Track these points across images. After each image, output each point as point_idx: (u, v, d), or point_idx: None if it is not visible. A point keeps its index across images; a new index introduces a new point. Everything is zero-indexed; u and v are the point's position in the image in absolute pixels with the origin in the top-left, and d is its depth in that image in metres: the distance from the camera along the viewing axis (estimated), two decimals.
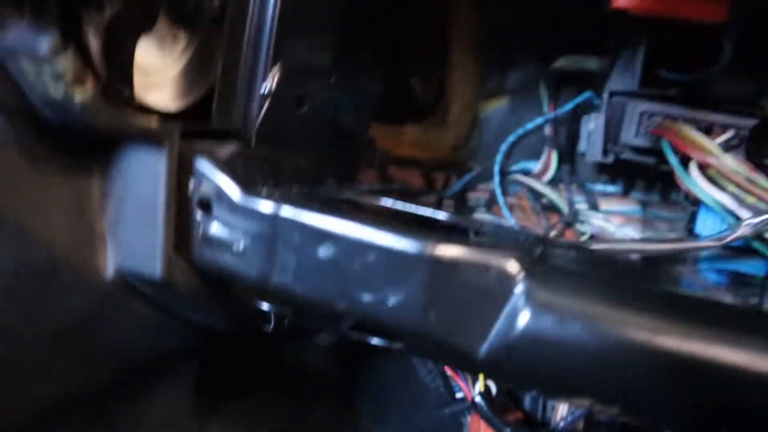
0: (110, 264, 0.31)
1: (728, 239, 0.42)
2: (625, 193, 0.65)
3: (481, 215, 0.67)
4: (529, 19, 0.59)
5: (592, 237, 0.59)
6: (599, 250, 0.42)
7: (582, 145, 0.56)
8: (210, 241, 0.31)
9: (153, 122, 0.29)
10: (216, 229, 0.31)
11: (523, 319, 0.28)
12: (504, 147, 0.67)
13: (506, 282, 0.29)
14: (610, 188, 0.66)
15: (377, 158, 0.64)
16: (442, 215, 0.36)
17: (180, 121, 0.33)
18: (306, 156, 0.39)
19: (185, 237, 0.32)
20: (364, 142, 0.57)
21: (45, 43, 0.22)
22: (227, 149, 0.33)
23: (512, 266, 0.29)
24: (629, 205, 0.65)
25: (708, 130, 0.49)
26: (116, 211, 0.31)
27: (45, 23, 0.22)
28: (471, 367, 0.31)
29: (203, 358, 0.40)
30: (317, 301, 0.31)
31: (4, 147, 0.27)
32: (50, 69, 0.23)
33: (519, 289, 0.29)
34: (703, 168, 0.45)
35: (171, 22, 0.35)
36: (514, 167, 0.69)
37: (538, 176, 0.69)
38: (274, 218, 0.30)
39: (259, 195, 0.31)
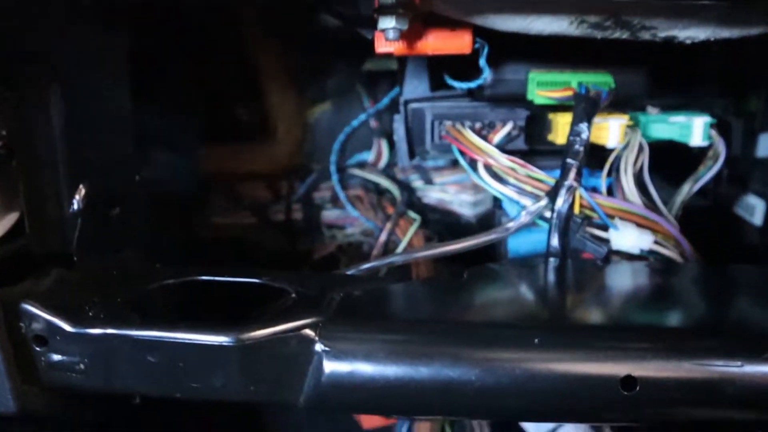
0: None
1: (513, 228, 0.50)
2: (455, 163, 0.72)
3: (329, 212, 0.74)
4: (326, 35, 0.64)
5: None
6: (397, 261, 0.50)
7: (396, 146, 0.62)
8: (53, 366, 0.36)
9: None
10: (56, 357, 0.36)
11: (326, 370, 0.36)
12: (336, 146, 0.73)
13: (306, 346, 0.36)
14: (440, 162, 0.73)
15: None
16: (256, 279, 0.42)
17: None
18: (129, 246, 0.44)
19: (31, 368, 0.36)
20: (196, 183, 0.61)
21: None
22: (48, 280, 0.38)
23: (308, 332, 0.36)
24: (460, 174, 0.72)
25: (492, 126, 0.56)
26: None
27: None
28: (295, 410, 0.37)
29: None
30: (157, 394, 0.36)
31: None
32: None
33: (318, 348, 0.36)
34: (488, 166, 0.53)
35: None
36: (350, 161, 0.75)
37: (373, 165, 0.75)
38: (104, 338, 0.36)
39: (86, 322, 0.36)
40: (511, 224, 0.51)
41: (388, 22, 0.42)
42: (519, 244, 0.59)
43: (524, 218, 0.51)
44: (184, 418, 0.55)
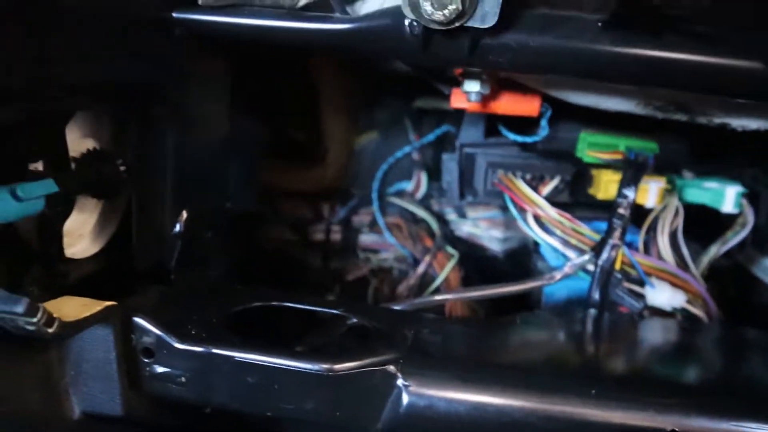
0: (76, 409, 0.39)
1: (557, 278, 0.55)
2: (488, 200, 0.76)
3: (366, 236, 0.77)
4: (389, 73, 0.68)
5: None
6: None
7: (443, 184, 0.66)
8: (157, 378, 0.40)
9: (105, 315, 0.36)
10: (160, 369, 0.40)
11: (404, 402, 0.40)
12: (379, 174, 0.77)
13: (389, 380, 0.40)
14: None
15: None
16: (336, 310, 0.46)
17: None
18: (215, 265, 0.48)
19: (137, 377, 0.40)
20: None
21: (20, 308, 0.30)
22: (153, 296, 0.42)
23: (391, 368, 0.40)
24: (492, 211, 0.77)
25: (541, 178, 0.61)
26: (75, 371, 0.39)
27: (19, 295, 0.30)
28: None
29: None
30: (249, 412, 0.40)
31: None
32: (24, 320, 0.30)
33: (398, 383, 0.40)
34: (536, 216, 0.57)
35: (87, 196, 0.42)
36: (391, 189, 0.79)
37: (411, 195, 0.79)
38: (207, 356, 0.39)
39: (190, 339, 0.40)
40: (556, 274, 0.55)
41: (473, 86, 0.46)
42: (554, 290, 0.64)
43: (569, 269, 0.55)
44: None
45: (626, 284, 0.55)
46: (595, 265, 0.54)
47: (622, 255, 0.55)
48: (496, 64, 0.39)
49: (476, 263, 0.78)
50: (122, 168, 0.42)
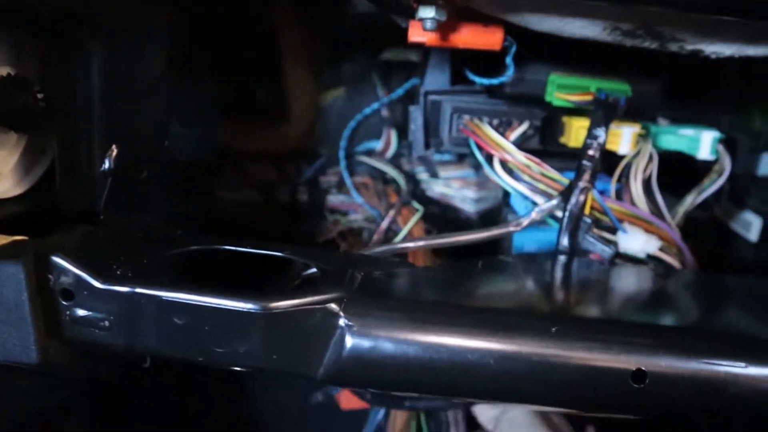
0: None
1: (524, 224, 0.52)
2: (460, 159, 0.74)
3: (334, 197, 0.74)
4: (351, 25, 0.65)
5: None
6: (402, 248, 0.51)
7: (409, 135, 0.63)
8: (77, 321, 0.37)
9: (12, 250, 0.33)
10: (81, 312, 0.36)
11: (347, 345, 0.36)
12: (346, 132, 0.73)
13: (330, 320, 0.36)
14: (447, 156, 0.74)
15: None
16: (279, 252, 0.43)
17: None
18: (152, 211, 0.44)
19: (55, 321, 0.36)
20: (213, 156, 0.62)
21: None
22: (77, 235, 0.38)
23: (333, 307, 0.37)
24: (465, 170, 0.74)
25: (509, 123, 0.57)
26: None
27: None
28: (312, 382, 0.38)
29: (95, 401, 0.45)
30: (179, 357, 0.37)
31: None
32: None
33: (341, 323, 0.36)
34: (503, 162, 0.54)
35: (4, 129, 0.38)
36: (359, 148, 0.76)
37: (381, 154, 0.76)
38: (131, 296, 0.36)
39: (114, 279, 0.36)
40: (523, 220, 0.52)
41: (428, 12, 0.43)
42: (524, 242, 0.60)
43: (536, 215, 0.52)
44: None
45: (597, 231, 0.52)
46: (564, 209, 0.50)
47: (594, 201, 0.52)
48: None
49: (449, 225, 0.75)
50: (39, 96, 0.38)
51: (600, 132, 0.51)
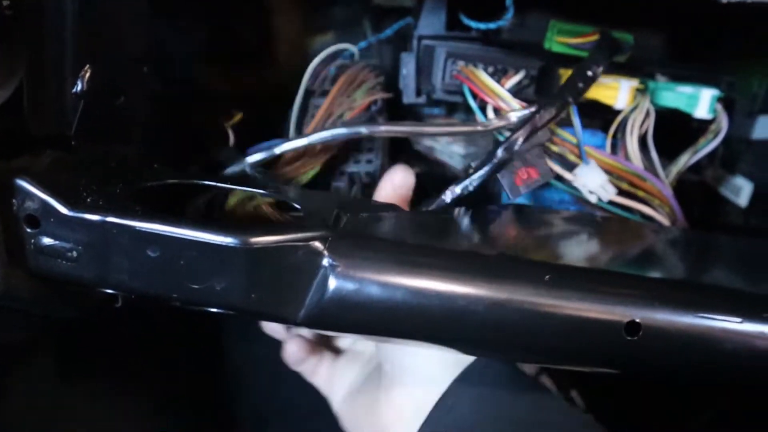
0: None
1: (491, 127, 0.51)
2: (450, 113, 0.71)
3: None
4: None
5: None
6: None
7: (400, 84, 0.61)
8: (43, 251, 0.34)
9: None
10: (47, 241, 0.34)
11: (330, 286, 0.34)
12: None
13: (313, 258, 0.34)
14: (436, 110, 0.72)
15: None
16: (261, 190, 0.41)
17: None
18: (131, 144, 0.41)
19: (19, 250, 0.34)
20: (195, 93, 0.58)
21: None
22: (45, 159, 0.35)
23: (317, 245, 0.35)
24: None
25: (504, 71, 0.55)
26: None
27: None
28: (292, 326, 0.36)
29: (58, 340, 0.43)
30: (152, 293, 0.35)
31: None
32: None
33: (324, 262, 0.35)
34: (497, 110, 0.52)
35: None
36: None
37: None
38: (102, 226, 0.34)
39: (84, 206, 0.34)
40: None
41: None
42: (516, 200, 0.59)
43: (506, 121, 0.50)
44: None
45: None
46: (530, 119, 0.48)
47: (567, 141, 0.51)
48: None
49: (435, 182, 0.73)
50: (6, 3, 0.35)
51: (596, 67, 0.49)
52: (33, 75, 0.37)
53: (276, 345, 0.57)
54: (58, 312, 0.38)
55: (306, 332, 0.56)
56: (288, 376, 0.56)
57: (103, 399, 0.53)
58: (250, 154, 0.50)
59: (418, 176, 0.72)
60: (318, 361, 0.56)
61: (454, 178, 0.71)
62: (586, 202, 0.52)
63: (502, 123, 0.51)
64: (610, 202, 0.52)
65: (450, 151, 0.73)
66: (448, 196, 0.49)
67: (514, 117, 0.51)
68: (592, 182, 0.51)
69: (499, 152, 0.48)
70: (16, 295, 0.34)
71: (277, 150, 0.51)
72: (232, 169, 0.50)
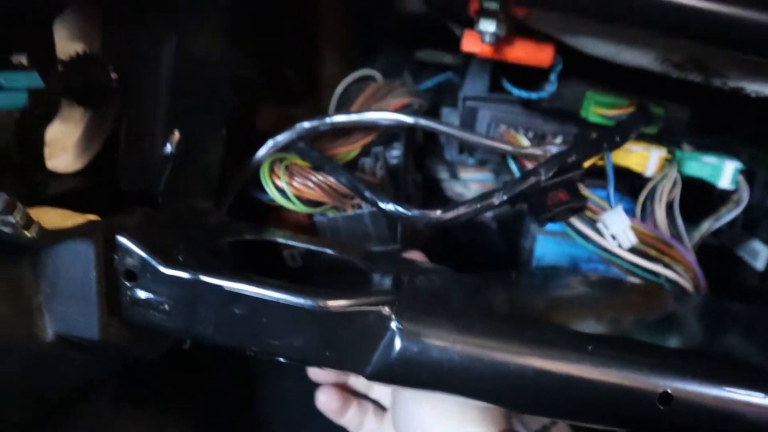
0: (49, 329, 0.37)
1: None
2: (482, 163, 0.75)
3: None
4: (391, 20, 0.66)
5: None
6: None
7: (441, 137, 0.64)
8: (138, 303, 0.38)
9: (86, 229, 0.33)
10: (142, 294, 0.37)
11: (396, 347, 0.38)
12: None
13: (382, 322, 0.38)
14: (470, 160, 0.76)
15: None
16: (327, 249, 0.44)
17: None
18: (208, 198, 0.45)
19: (116, 301, 0.38)
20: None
21: None
22: (138, 216, 0.39)
23: (385, 310, 0.38)
24: (485, 174, 0.75)
25: (543, 137, 0.59)
26: (51, 288, 0.36)
27: None
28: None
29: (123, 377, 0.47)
30: (234, 345, 0.38)
31: None
32: (1, 219, 0.28)
33: (392, 326, 0.38)
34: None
35: (72, 102, 0.39)
36: None
37: None
38: (194, 283, 0.37)
39: (178, 264, 0.37)
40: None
41: (489, 26, 0.44)
42: (545, 253, 0.63)
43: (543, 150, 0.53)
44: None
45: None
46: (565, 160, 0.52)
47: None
48: None
49: (464, 228, 0.77)
50: (113, 75, 0.38)
51: (632, 131, 0.53)
52: (129, 138, 0.41)
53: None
54: (137, 354, 0.41)
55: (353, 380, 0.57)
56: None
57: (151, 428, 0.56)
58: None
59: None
60: (360, 413, 0.56)
61: (483, 225, 0.76)
62: (613, 262, 0.56)
63: (538, 152, 0.54)
64: (637, 266, 0.56)
65: None
66: (472, 207, 0.50)
67: (552, 149, 0.54)
68: (616, 227, 0.54)
69: (541, 171, 0.51)
70: (110, 341, 0.38)
71: (328, 120, 0.55)
72: (282, 136, 0.54)
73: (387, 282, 0.41)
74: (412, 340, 0.38)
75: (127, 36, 0.39)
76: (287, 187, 0.51)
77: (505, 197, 0.51)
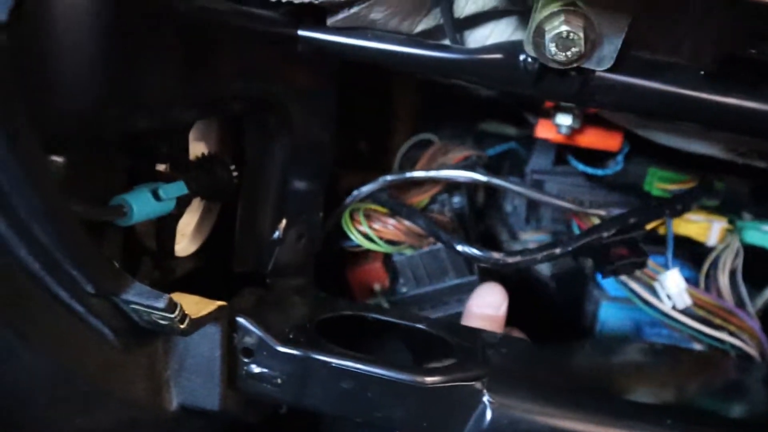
0: (174, 401, 0.41)
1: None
2: (541, 227, 0.78)
3: None
4: (457, 94, 0.70)
5: None
6: None
7: (507, 208, 0.68)
8: (254, 377, 0.42)
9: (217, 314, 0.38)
10: (257, 369, 0.42)
11: (488, 419, 0.41)
12: None
13: (474, 396, 0.42)
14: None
15: None
16: (418, 324, 0.48)
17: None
18: (306, 275, 0.50)
19: (234, 375, 0.42)
20: None
21: (161, 303, 0.32)
22: (251, 297, 0.43)
23: (478, 384, 0.42)
24: (542, 235, 0.78)
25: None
26: (179, 364, 0.41)
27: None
28: None
29: None
30: (339, 415, 0.42)
31: (109, 345, 0.36)
32: (161, 315, 0.32)
33: (485, 398, 0.42)
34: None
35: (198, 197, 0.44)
36: None
37: None
38: (305, 360, 0.41)
39: (290, 342, 0.41)
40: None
41: (566, 120, 0.48)
42: (608, 317, 0.66)
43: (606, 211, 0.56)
44: None
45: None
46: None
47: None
48: (600, 104, 0.41)
49: (522, 286, 0.80)
50: (235, 174, 0.43)
51: (694, 201, 0.56)
52: (243, 225, 0.45)
53: None
54: (245, 420, 0.45)
55: None
56: None
57: None
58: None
59: (506, 280, 0.80)
60: None
61: (540, 282, 0.79)
62: (676, 327, 0.58)
63: (602, 212, 0.58)
64: (701, 332, 0.58)
65: None
66: (543, 256, 0.54)
67: (615, 211, 0.57)
68: (672, 287, 0.56)
69: (602, 227, 0.53)
70: (228, 411, 0.42)
71: (408, 174, 0.60)
72: (366, 187, 0.60)
73: (474, 356, 0.45)
74: (501, 413, 0.41)
75: (248, 138, 0.44)
76: (369, 230, 0.57)
77: (568, 248, 0.53)
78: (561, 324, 0.72)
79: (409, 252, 0.61)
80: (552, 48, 0.37)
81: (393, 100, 0.73)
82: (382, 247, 0.59)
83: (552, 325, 0.73)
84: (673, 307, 0.57)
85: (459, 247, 0.54)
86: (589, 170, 0.61)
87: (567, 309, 0.74)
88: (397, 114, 0.74)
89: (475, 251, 0.54)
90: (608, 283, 0.65)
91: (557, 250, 0.53)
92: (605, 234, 0.54)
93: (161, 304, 0.32)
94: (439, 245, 0.60)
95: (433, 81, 0.71)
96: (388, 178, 0.60)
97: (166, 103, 0.34)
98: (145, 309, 0.33)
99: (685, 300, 0.57)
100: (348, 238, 0.59)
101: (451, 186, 0.66)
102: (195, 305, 0.39)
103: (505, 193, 0.70)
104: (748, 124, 0.41)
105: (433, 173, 0.61)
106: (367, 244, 0.58)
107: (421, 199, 0.64)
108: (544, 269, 0.79)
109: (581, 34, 0.36)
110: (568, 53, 0.37)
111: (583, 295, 0.70)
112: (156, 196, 0.35)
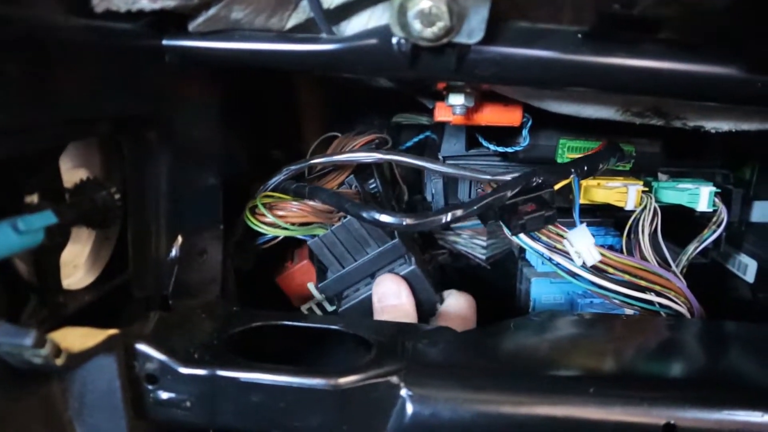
0: None
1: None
2: None
3: None
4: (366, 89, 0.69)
5: None
6: None
7: (428, 196, 0.67)
8: (162, 404, 0.40)
9: (107, 344, 0.36)
10: (164, 395, 0.40)
11: (408, 412, 0.40)
12: None
13: (392, 391, 0.40)
14: None
15: None
16: (333, 326, 0.47)
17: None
18: (212, 291, 0.48)
19: (141, 404, 0.40)
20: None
21: (29, 340, 0.30)
22: (152, 321, 0.42)
23: (394, 379, 0.40)
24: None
25: None
26: (79, 403, 0.38)
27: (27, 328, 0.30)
28: None
29: None
30: (257, 430, 0.40)
31: None
32: (32, 353, 0.30)
33: (402, 392, 0.40)
34: None
35: (81, 226, 0.42)
36: None
37: None
38: (212, 379, 0.39)
39: (194, 362, 0.40)
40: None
41: (458, 99, 0.47)
42: (540, 293, 0.65)
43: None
44: None
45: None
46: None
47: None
48: (481, 78, 0.40)
49: (461, 272, 0.80)
50: (117, 196, 0.42)
51: (601, 162, 0.55)
52: (136, 249, 0.43)
53: None
54: None
55: None
56: None
57: None
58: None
59: (442, 267, 0.79)
60: None
61: (479, 268, 0.78)
62: (605, 295, 0.58)
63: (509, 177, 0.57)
64: (629, 296, 0.58)
65: (472, 243, 0.80)
66: (448, 217, 0.52)
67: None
68: (580, 244, 0.56)
69: (506, 186, 0.52)
70: None
71: (312, 160, 0.60)
72: (272, 180, 0.59)
73: (392, 351, 0.44)
74: (422, 404, 0.40)
75: (126, 158, 0.42)
76: (273, 218, 0.57)
77: (472, 208, 0.52)
78: (503, 308, 0.71)
79: (320, 232, 0.60)
80: (417, 25, 0.36)
81: (300, 105, 0.72)
82: (293, 231, 0.58)
83: (494, 309, 0.73)
84: (583, 264, 0.57)
85: (364, 214, 0.53)
86: (500, 149, 0.61)
87: (506, 292, 0.74)
88: (306, 118, 0.73)
89: (381, 216, 0.52)
90: (534, 259, 0.65)
91: (459, 212, 0.51)
92: (509, 193, 0.53)
93: (28, 342, 0.30)
94: (350, 218, 0.57)
95: (337, 80, 0.70)
96: (292, 167, 0.60)
97: (11, 130, 0.32)
98: (14, 348, 0.31)
99: (594, 256, 0.56)
100: (261, 234, 0.59)
101: (361, 170, 0.67)
102: (82, 338, 0.37)
103: (425, 182, 0.69)
104: (632, 83, 0.41)
105: (335, 157, 0.60)
106: (276, 232, 0.58)
107: (331, 186, 0.64)
108: (480, 254, 0.78)
109: (444, 8, 0.35)
110: (434, 29, 0.36)
111: (516, 276, 0.70)
112: (16, 229, 0.33)
